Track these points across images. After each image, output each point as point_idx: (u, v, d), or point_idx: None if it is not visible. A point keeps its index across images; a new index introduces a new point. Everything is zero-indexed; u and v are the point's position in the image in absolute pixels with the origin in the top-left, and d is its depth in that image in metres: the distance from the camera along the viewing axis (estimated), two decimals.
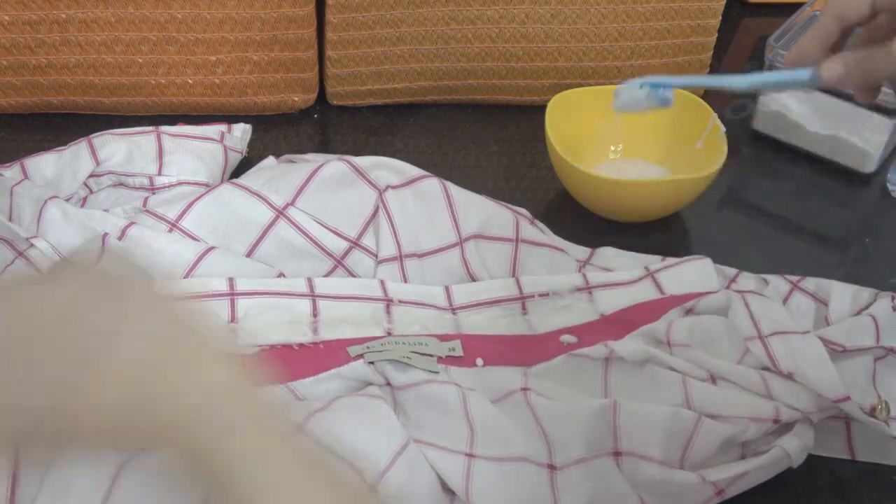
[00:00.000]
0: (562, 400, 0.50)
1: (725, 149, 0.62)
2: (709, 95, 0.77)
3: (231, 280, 0.52)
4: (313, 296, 0.53)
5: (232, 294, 0.52)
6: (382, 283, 0.55)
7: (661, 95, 0.53)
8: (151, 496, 0.43)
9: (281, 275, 0.55)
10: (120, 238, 0.53)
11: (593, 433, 0.48)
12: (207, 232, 0.56)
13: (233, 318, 0.51)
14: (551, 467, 0.47)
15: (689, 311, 0.54)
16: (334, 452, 0.44)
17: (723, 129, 0.63)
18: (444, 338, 0.53)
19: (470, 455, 0.46)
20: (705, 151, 0.64)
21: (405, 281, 0.56)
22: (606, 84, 0.68)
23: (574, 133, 0.65)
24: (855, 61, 0.49)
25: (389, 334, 0.53)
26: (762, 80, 0.54)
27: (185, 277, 0.53)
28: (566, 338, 0.54)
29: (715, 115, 0.64)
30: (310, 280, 0.54)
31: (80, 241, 0.53)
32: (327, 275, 0.56)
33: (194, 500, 0.36)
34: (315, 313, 0.53)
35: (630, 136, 0.68)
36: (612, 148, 0.69)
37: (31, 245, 0.51)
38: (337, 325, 0.52)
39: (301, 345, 0.51)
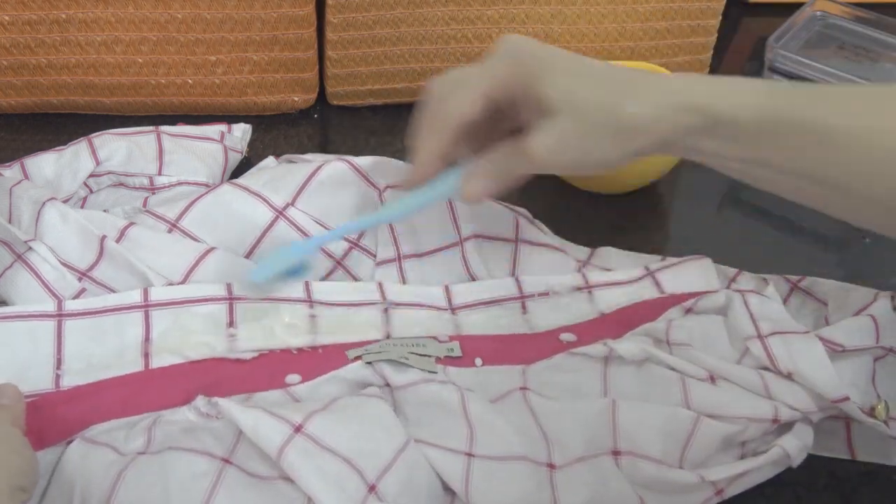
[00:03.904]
0: (561, 399, 0.50)
1: None
2: None
3: (229, 285, 0.52)
4: (311, 301, 0.53)
5: (230, 299, 0.52)
6: (380, 285, 0.55)
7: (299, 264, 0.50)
8: (154, 495, 0.43)
9: None
10: (118, 240, 0.53)
11: (592, 432, 0.48)
12: (207, 232, 0.56)
13: (231, 323, 0.51)
14: (551, 466, 0.47)
15: (688, 311, 0.54)
16: (335, 452, 0.44)
17: None
18: (442, 339, 0.53)
19: (469, 455, 0.46)
20: None
21: (404, 282, 0.56)
22: None
23: None
24: (495, 172, 0.47)
25: (388, 337, 0.53)
26: (409, 204, 0.49)
27: (184, 278, 0.53)
28: (565, 336, 0.54)
29: None
30: (307, 284, 0.54)
31: (78, 244, 0.53)
32: (327, 275, 0.56)
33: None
34: (313, 318, 0.52)
35: None
36: None
37: (30, 248, 0.51)
38: (335, 329, 0.52)
39: (300, 349, 0.51)
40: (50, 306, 0.50)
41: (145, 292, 0.51)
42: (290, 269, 0.50)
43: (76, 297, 0.51)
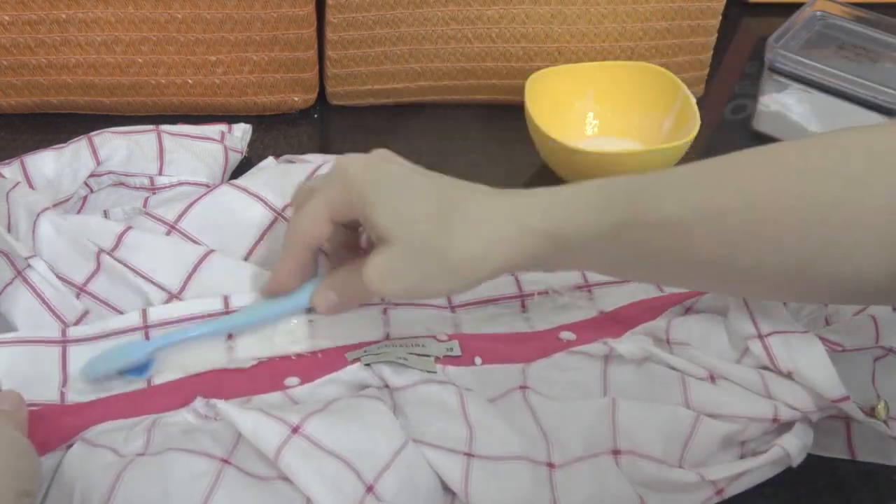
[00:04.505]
0: (561, 398, 0.50)
1: (698, 121, 0.63)
2: (709, 95, 0.77)
3: (226, 298, 0.52)
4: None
5: (227, 312, 0.52)
6: None
7: (139, 363, 0.49)
8: (153, 495, 0.43)
9: None
10: (115, 247, 0.53)
11: (592, 431, 0.48)
12: (206, 234, 0.55)
13: (230, 335, 0.51)
14: (550, 466, 0.47)
15: (688, 310, 0.54)
16: (333, 452, 0.44)
17: (693, 99, 0.65)
18: (441, 338, 0.53)
19: (469, 455, 0.46)
20: (680, 124, 0.66)
21: None
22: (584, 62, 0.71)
23: (550, 112, 0.67)
24: (343, 286, 0.48)
25: (388, 337, 0.53)
26: (262, 313, 0.51)
27: (183, 285, 0.53)
28: (565, 335, 0.54)
29: (685, 87, 0.66)
30: None
31: (73, 257, 0.53)
32: None
33: None
34: (311, 322, 0.52)
35: (605, 115, 0.71)
36: (589, 124, 0.71)
37: (29, 265, 0.51)
38: (334, 332, 0.52)
39: (299, 354, 0.51)
40: (54, 332, 0.50)
41: (143, 313, 0.51)
42: (129, 368, 0.49)
43: (79, 320, 0.51)
